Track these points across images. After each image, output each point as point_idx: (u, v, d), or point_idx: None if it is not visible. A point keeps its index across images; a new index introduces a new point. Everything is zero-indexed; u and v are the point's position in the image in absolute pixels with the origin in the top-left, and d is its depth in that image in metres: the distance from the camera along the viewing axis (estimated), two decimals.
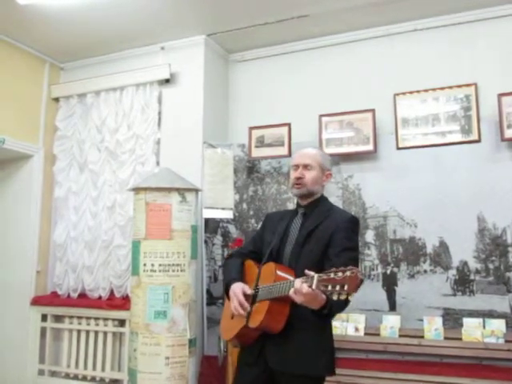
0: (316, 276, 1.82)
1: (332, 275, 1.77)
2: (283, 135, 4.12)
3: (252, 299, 2.21)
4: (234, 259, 2.49)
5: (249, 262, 2.42)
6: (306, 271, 1.88)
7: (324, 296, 1.89)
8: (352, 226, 2.26)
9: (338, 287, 1.73)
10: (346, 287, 1.72)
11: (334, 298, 1.75)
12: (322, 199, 2.39)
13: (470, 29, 3.83)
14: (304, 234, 2.26)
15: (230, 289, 2.29)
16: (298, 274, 2.03)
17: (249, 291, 2.23)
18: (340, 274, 1.75)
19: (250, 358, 2.26)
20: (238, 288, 2.25)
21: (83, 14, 3.88)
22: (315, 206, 2.34)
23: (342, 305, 2.02)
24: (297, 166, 2.35)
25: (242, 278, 2.35)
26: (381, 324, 3.53)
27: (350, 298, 1.74)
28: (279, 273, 2.14)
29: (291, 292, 1.90)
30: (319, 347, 2.16)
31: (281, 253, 2.30)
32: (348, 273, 1.73)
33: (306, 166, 2.32)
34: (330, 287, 1.76)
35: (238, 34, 4.23)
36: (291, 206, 4.01)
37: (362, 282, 1.72)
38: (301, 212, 2.37)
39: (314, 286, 1.81)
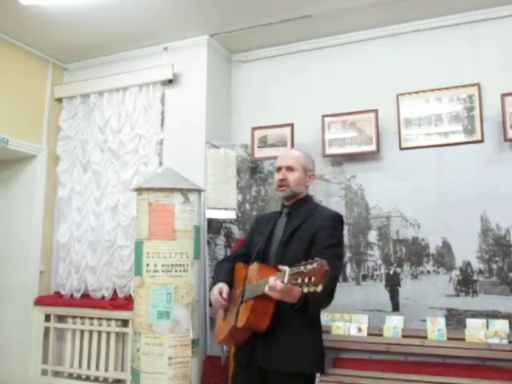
0: (288, 270, 1.86)
1: (301, 268, 1.80)
2: (286, 135, 4.11)
3: (241, 300, 2.26)
4: (223, 263, 2.59)
5: (239, 264, 2.49)
6: (280, 266, 1.93)
7: (300, 289, 1.89)
8: (335, 223, 2.31)
9: (306, 279, 1.77)
10: (313, 279, 1.75)
11: (305, 290, 1.78)
12: (307, 199, 2.45)
13: (473, 29, 3.82)
14: (288, 233, 2.30)
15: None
16: None
17: (225, 289, 2.36)
18: (308, 266, 1.78)
19: (243, 358, 2.31)
20: (215, 288, 2.38)
21: (86, 14, 3.89)
22: (299, 205, 2.40)
23: (319, 299, 2.02)
24: (280, 168, 2.41)
25: (230, 281, 2.44)
26: (384, 324, 3.52)
27: (317, 289, 1.75)
28: (262, 272, 2.17)
29: (266, 289, 1.95)
30: (307, 345, 2.20)
31: (267, 253, 2.35)
32: (315, 264, 1.76)
33: (288, 168, 2.38)
34: (299, 280, 1.79)
35: (241, 35, 4.23)
36: None
37: (327, 272, 1.74)
38: (285, 212, 2.42)
39: (285, 281, 1.85)
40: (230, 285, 2.43)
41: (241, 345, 2.33)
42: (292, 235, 2.30)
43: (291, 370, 2.16)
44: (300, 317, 2.13)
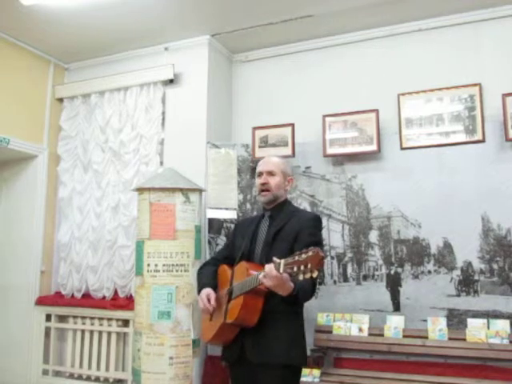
0: (282, 261, 2.01)
1: (296, 258, 1.96)
2: (287, 135, 4.11)
3: (228, 297, 2.40)
4: (207, 267, 2.73)
5: (223, 266, 2.63)
6: (274, 258, 2.07)
7: (292, 284, 2.11)
8: (315, 223, 2.49)
9: (302, 267, 1.92)
10: (309, 266, 1.90)
11: (300, 277, 1.93)
12: (287, 202, 2.62)
13: (474, 29, 3.82)
14: (272, 233, 2.45)
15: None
16: None
17: (213, 295, 2.48)
18: (303, 255, 1.94)
19: (232, 355, 2.44)
20: (203, 293, 2.51)
21: (87, 14, 3.89)
22: (280, 208, 2.55)
23: (308, 291, 2.26)
24: (261, 173, 2.56)
25: (214, 283, 2.58)
26: (385, 324, 3.52)
27: (313, 275, 1.91)
28: (251, 270, 2.31)
29: (261, 276, 2.09)
30: (294, 338, 2.36)
31: (252, 253, 2.50)
32: (310, 253, 1.92)
33: (269, 173, 2.54)
34: (295, 269, 1.94)
35: (242, 35, 4.23)
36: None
37: (323, 258, 1.92)
38: (267, 215, 2.57)
39: (281, 270, 2.00)
40: (215, 288, 2.56)
41: (229, 342, 2.45)
42: (276, 236, 2.44)
43: (281, 363, 2.28)
44: (285, 311, 2.30)
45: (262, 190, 2.54)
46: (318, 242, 2.40)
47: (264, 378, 2.31)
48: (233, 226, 4.20)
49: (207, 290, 2.51)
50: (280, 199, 2.57)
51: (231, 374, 2.58)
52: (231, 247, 2.70)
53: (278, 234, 2.44)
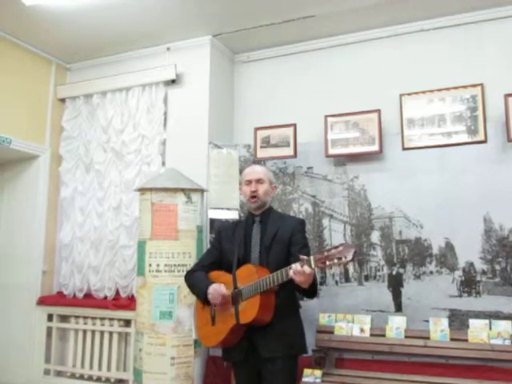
0: (312, 257, 2.20)
1: (326, 253, 2.16)
2: (289, 136, 4.11)
3: (235, 299, 2.49)
4: (198, 272, 2.76)
5: (214, 272, 2.71)
6: (301, 256, 2.25)
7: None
8: (303, 227, 2.73)
9: (335, 260, 2.12)
10: (344, 258, 2.11)
11: (334, 268, 2.31)
12: (271, 208, 2.80)
13: (476, 29, 3.82)
14: (269, 238, 2.61)
15: (208, 292, 2.56)
16: (271, 270, 2.43)
17: (225, 290, 2.52)
18: (333, 250, 2.14)
19: (240, 355, 2.55)
20: (213, 287, 2.54)
21: (89, 14, 3.90)
22: (268, 214, 2.73)
23: (316, 282, 2.46)
24: (250, 181, 2.71)
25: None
26: (386, 325, 3.52)
27: (348, 263, 2.23)
28: (261, 272, 2.46)
29: (291, 273, 2.24)
30: (296, 330, 2.58)
31: (247, 257, 2.62)
32: (341, 247, 2.13)
33: (258, 181, 2.70)
34: (327, 262, 2.14)
35: (244, 35, 4.24)
36: (296, 206, 4.01)
37: (356, 251, 2.13)
38: (258, 220, 2.71)
39: (313, 266, 2.19)
40: None
41: (233, 344, 2.53)
42: (273, 239, 2.60)
43: (290, 354, 2.51)
44: (288, 307, 2.52)
45: (252, 197, 2.67)
46: (307, 244, 2.69)
47: (272, 368, 2.46)
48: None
49: (217, 284, 2.55)
50: (267, 205, 2.74)
51: (236, 373, 2.67)
52: (217, 252, 2.79)
53: (274, 238, 2.60)
